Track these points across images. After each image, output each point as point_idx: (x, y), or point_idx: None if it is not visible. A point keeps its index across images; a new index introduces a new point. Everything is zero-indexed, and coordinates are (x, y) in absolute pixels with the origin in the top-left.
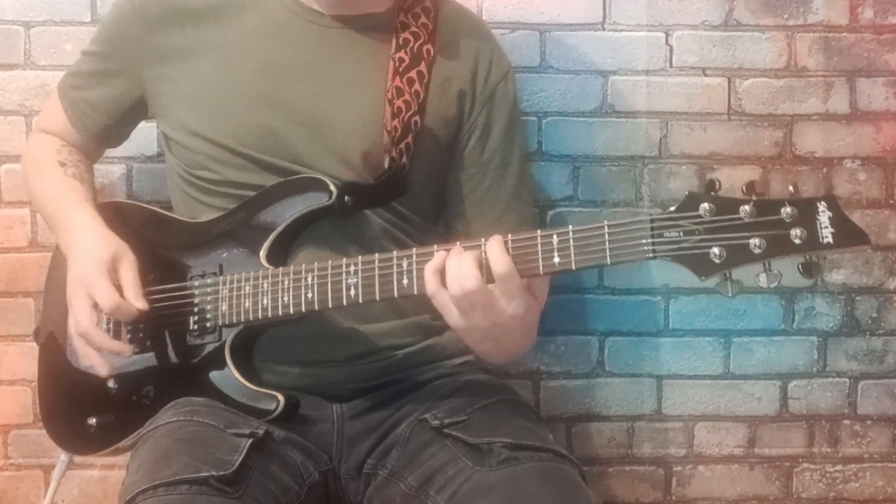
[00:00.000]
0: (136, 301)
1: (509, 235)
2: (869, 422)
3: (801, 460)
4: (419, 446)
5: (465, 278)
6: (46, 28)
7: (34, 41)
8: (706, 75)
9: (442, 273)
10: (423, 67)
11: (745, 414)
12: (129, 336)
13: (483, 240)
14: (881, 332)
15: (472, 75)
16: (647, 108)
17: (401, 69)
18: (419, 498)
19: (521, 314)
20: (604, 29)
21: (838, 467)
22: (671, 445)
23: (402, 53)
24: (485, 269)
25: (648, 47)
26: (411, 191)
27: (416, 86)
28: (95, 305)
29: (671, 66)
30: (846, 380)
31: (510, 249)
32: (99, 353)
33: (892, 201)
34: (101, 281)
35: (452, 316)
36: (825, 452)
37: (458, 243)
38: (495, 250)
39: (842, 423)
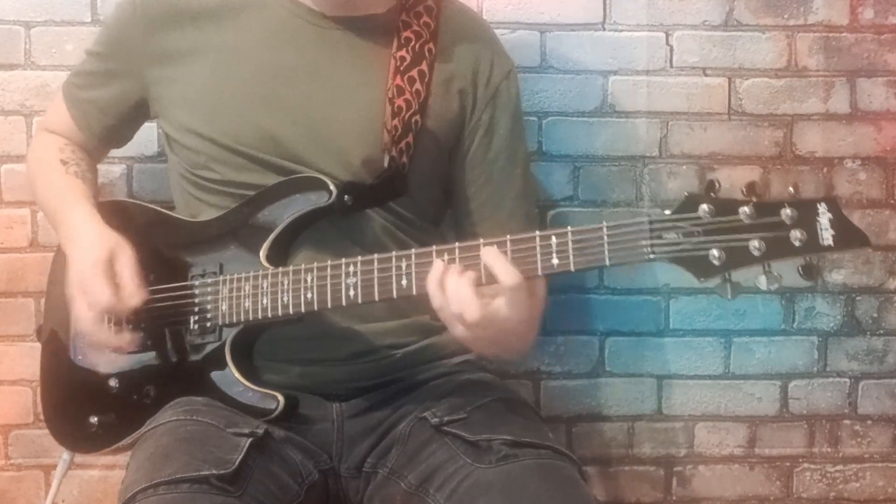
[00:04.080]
0: (130, 298)
1: (508, 237)
2: (869, 422)
3: (801, 460)
4: (419, 445)
5: (465, 309)
6: (47, 28)
7: (34, 41)
8: (706, 75)
9: (444, 284)
10: (424, 66)
11: (746, 414)
12: (129, 336)
13: (481, 242)
14: (881, 332)
15: (473, 75)
16: (647, 108)
17: (402, 68)
18: (419, 496)
19: (525, 318)
20: (604, 29)
21: (839, 467)
22: (672, 445)
23: (403, 52)
24: (488, 277)
25: (648, 47)
26: (411, 191)
27: (417, 85)
28: (93, 304)
29: (671, 66)
30: (846, 380)
31: (509, 252)
32: (103, 350)
33: (892, 201)
34: (96, 280)
35: (457, 330)
36: (825, 452)
37: (456, 245)
38: (501, 265)
39: (842, 423)
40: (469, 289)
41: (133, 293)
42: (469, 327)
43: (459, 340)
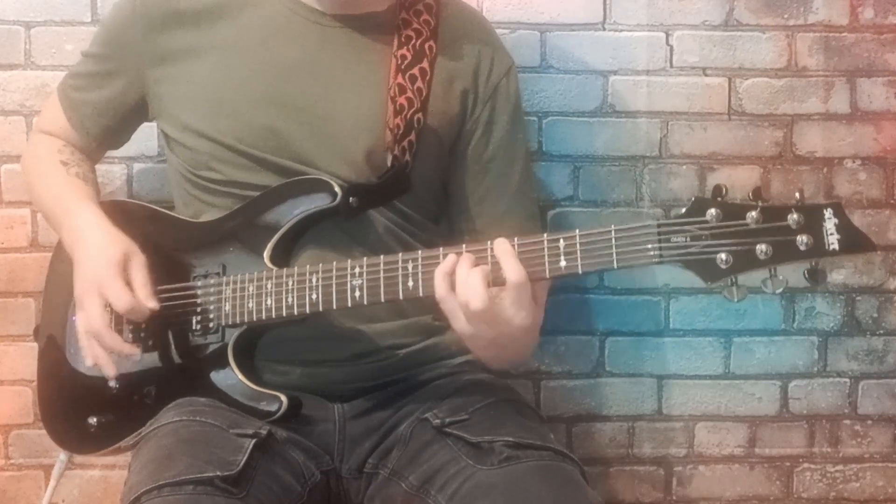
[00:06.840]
0: (148, 301)
1: (516, 239)
2: (869, 422)
3: (801, 460)
4: (420, 446)
5: (472, 297)
6: (47, 28)
7: (34, 41)
8: (706, 75)
9: (452, 277)
10: (425, 64)
11: (746, 414)
12: (131, 335)
13: (490, 244)
14: (881, 332)
15: (474, 72)
16: (647, 108)
17: (403, 66)
18: (420, 497)
19: (528, 324)
20: (604, 29)
21: (839, 467)
22: (672, 445)
23: (404, 51)
24: (494, 279)
25: (649, 47)
26: (414, 189)
27: (419, 83)
28: (108, 305)
29: (671, 66)
30: (846, 380)
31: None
32: (108, 354)
33: (892, 201)
34: (115, 281)
35: (459, 322)
36: (825, 452)
37: (464, 247)
38: (510, 260)
39: (842, 423)
40: (479, 278)
41: (149, 297)
42: (472, 319)
43: (460, 336)
